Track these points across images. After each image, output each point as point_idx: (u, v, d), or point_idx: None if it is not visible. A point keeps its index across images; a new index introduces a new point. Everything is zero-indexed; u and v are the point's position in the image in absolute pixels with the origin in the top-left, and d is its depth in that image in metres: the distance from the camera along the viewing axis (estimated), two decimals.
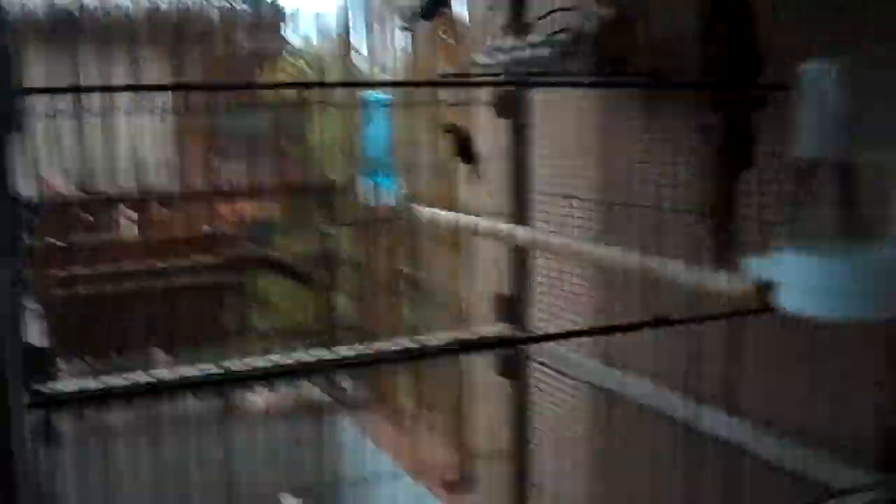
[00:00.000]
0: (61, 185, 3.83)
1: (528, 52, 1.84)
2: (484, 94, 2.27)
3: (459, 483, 3.21)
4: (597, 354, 2.13)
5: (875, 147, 1.29)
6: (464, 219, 2.08)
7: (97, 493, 1.80)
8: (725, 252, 1.42)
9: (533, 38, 1.88)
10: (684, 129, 1.59)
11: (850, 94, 1.28)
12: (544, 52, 1.82)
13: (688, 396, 1.75)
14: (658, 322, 1.32)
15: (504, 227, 2.02)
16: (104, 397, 1.37)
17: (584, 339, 2.15)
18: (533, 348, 2.28)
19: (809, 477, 1.61)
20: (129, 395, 1.35)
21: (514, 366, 2.34)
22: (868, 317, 1.43)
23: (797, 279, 1.29)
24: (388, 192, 2.28)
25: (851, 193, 1.28)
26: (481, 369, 2.69)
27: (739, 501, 1.73)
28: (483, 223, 2.03)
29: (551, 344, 2.22)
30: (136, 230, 4.09)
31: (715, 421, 1.74)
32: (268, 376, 1.41)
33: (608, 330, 1.79)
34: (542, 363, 2.31)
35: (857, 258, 1.25)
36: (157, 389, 1.38)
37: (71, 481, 1.80)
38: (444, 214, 2.17)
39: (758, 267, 1.49)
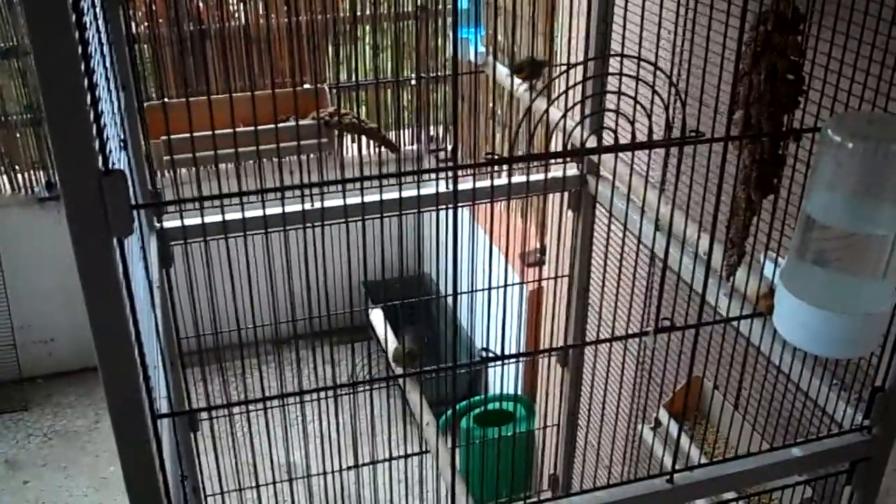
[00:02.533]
0: None
1: None
2: None
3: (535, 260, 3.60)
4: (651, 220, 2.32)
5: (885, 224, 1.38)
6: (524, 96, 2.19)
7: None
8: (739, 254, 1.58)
9: None
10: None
11: (868, 171, 1.36)
12: None
13: None
14: (661, 329, 1.54)
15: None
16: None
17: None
18: (600, 195, 2.49)
19: None
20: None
21: (579, 202, 2.59)
22: (844, 356, 1.65)
23: (790, 313, 1.47)
24: (472, 46, 2.37)
25: (848, 260, 1.42)
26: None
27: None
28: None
29: (617, 199, 2.41)
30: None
31: None
32: None
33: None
34: (603, 207, 2.52)
35: (840, 316, 1.42)
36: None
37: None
38: (516, 82, 2.28)
39: (770, 271, 1.66)
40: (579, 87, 1.86)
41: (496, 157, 1.19)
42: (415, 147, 5.39)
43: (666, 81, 1.35)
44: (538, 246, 3.96)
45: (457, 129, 1.36)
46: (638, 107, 1.35)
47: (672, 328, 1.55)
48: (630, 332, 2.25)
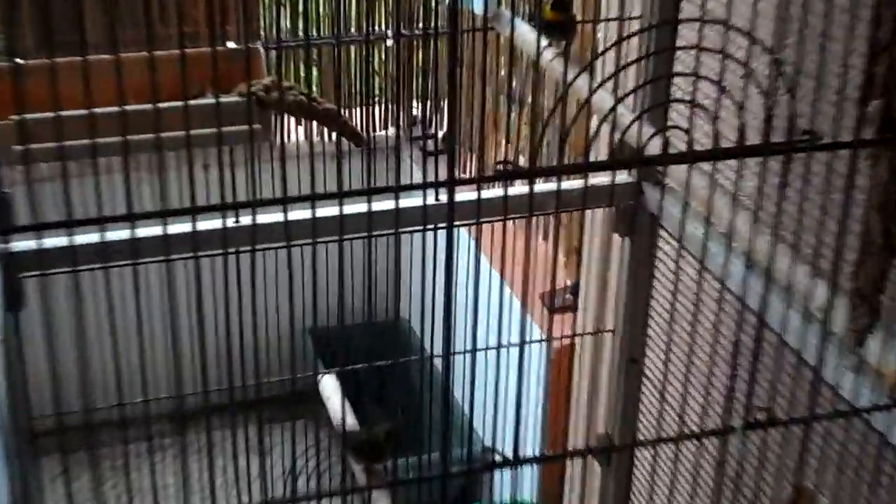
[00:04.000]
0: None
1: None
2: None
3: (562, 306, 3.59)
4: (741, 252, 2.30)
5: None
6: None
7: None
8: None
9: None
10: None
11: None
12: None
13: None
14: (753, 424, 1.53)
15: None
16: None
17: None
18: (664, 214, 2.48)
19: None
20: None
21: (633, 223, 2.58)
22: None
23: None
24: None
25: None
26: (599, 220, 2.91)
27: None
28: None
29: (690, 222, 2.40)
30: None
31: None
32: None
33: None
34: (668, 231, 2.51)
35: None
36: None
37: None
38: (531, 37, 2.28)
39: None
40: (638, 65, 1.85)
41: (510, 166, 1.18)
42: (390, 133, 5.40)
43: (767, 60, 1.34)
44: (569, 284, 3.94)
45: (455, 111, 1.35)
46: (723, 96, 1.34)
47: (771, 422, 1.53)
48: (707, 423, 2.24)
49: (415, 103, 5.38)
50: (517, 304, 3.51)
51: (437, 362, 4.26)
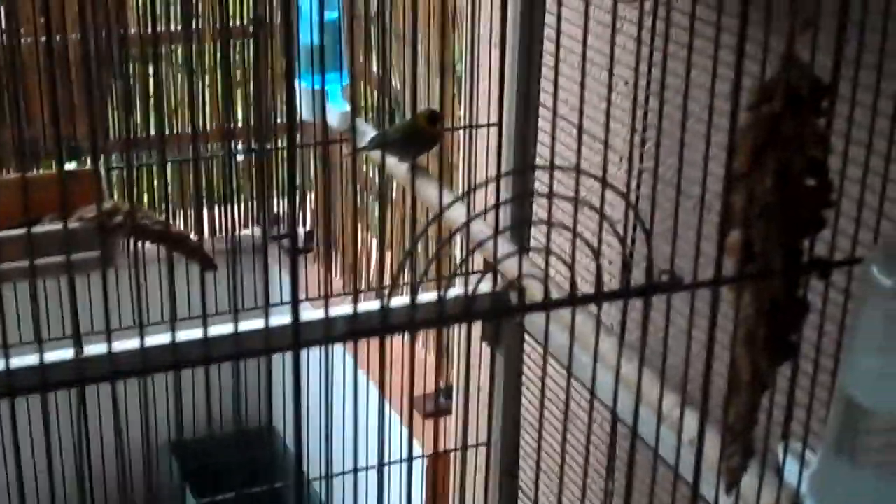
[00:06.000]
0: None
1: None
2: None
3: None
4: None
5: None
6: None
7: None
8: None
9: None
10: None
11: None
12: None
13: None
14: None
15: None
16: None
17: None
18: (529, 322, 2.45)
19: None
20: None
21: (498, 334, 2.54)
22: None
23: None
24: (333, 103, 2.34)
25: None
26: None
27: None
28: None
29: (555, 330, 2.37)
30: None
31: None
32: None
33: None
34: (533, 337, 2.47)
35: None
36: None
37: None
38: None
39: (793, 473, 1.62)
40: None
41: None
42: (249, 233, 5.35)
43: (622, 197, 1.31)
44: (442, 386, 3.88)
45: (295, 233, 1.30)
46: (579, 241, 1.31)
47: None
48: None
49: (275, 198, 5.33)
50: (390, 410, 3.45)
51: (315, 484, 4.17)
